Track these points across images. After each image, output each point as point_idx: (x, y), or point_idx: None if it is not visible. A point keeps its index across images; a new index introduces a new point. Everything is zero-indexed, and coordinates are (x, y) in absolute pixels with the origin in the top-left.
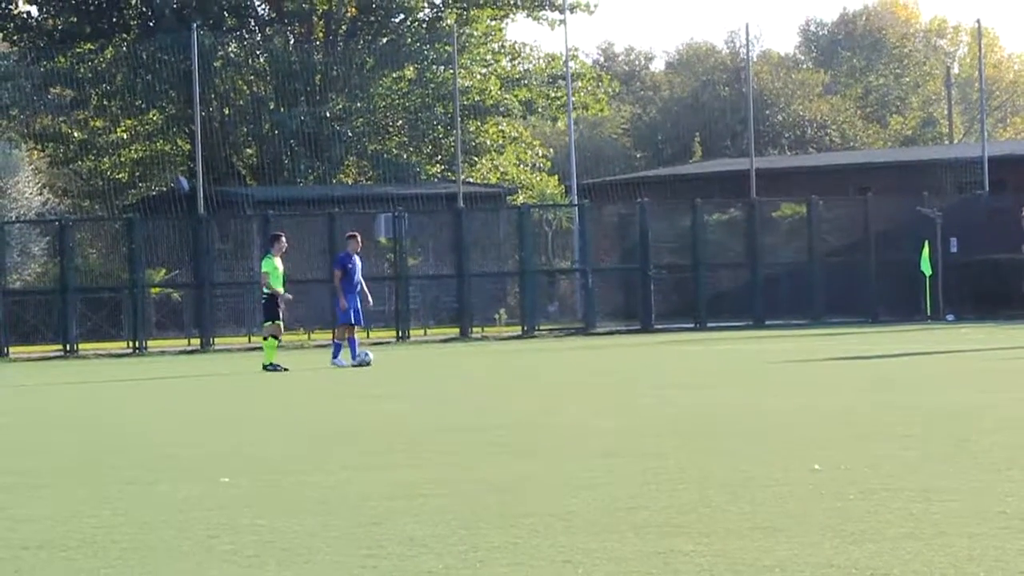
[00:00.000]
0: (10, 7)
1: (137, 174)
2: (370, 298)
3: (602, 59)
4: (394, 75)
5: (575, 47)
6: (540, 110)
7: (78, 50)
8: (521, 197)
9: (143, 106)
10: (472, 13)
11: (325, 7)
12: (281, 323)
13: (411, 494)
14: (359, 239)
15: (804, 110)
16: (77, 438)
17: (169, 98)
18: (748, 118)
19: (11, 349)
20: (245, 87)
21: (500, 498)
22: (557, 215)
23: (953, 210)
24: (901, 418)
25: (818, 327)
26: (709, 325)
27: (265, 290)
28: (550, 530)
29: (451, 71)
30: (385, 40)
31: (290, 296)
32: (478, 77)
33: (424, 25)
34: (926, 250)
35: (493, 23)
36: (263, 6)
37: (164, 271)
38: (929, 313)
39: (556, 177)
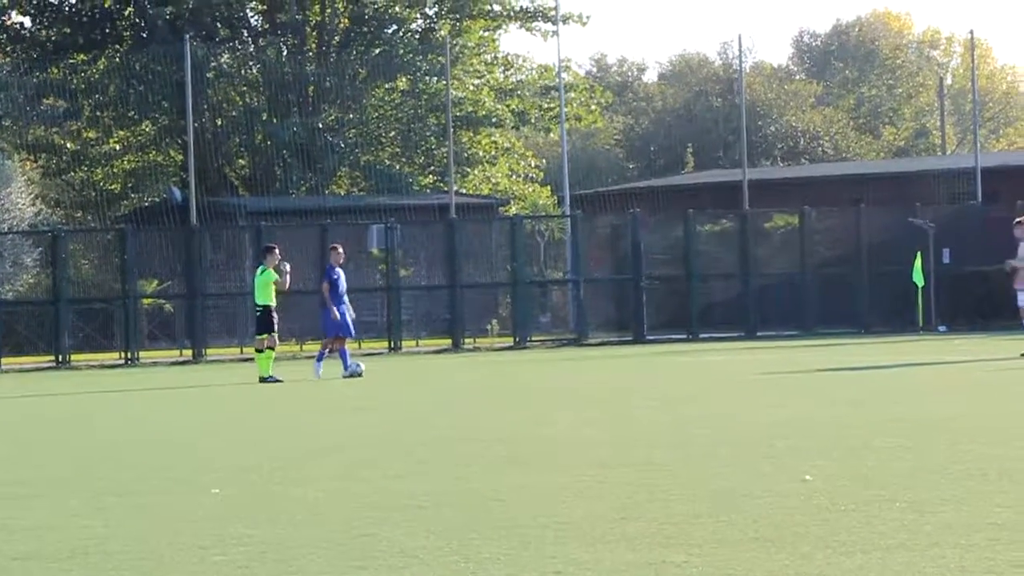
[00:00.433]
0: (3, 18)
1: (130, 185)
2: (351, 310)
3: (595, 70)
4: (387, 86)
5: (568, 58)
6: (533, 121)
7: (71, 61)
8: (513, 208)
9: (136, 117)
10: (465, 24)
11: (318, 18)
12: (276, 335)
13: (403, 505)
14: (341, 250)
15: (797, 121)
16: (69, 449)
17: (162, 109)
18: (741, 129)
19: (3, 360)
20: (238, 98)
21: (492, 509)
22: (549, 226)
23: (946, 221)
24: (893, 429)
25: (810, 338)
26: (701, 336)
27: (259, 302)
28: (542, 541)
29: (444, 82)
30: (378, 51)
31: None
32: (471, 88)
33: (417, 36)
34: (919, 261)
35: (486, 34)
36: (256, 17)
37: (156, 282)
38: (922, 324)
39: (549, 188)
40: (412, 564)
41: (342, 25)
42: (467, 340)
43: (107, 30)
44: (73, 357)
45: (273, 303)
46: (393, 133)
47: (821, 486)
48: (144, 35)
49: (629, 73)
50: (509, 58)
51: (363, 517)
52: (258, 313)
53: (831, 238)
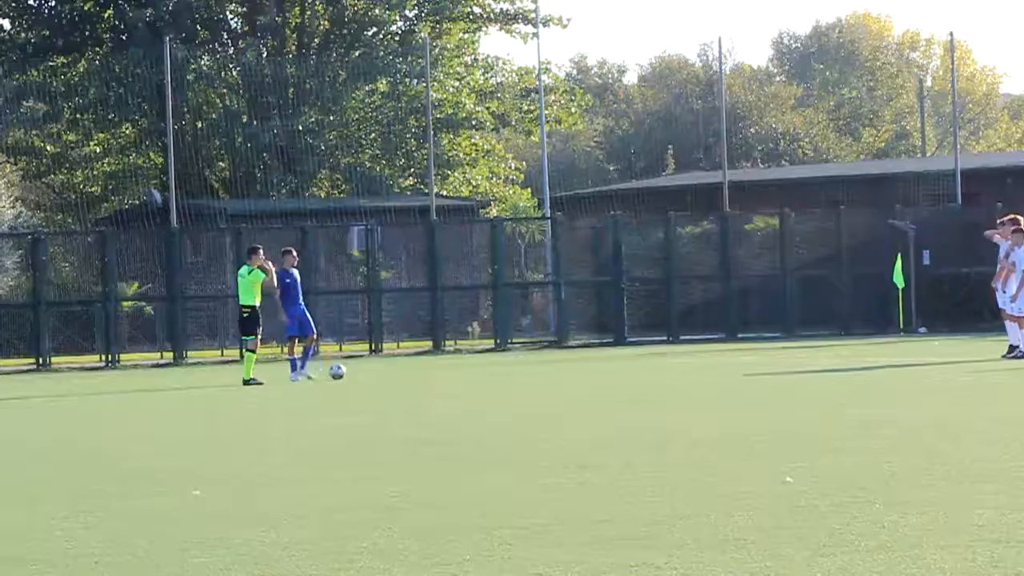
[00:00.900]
0: None
1: (110, 187)
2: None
3: (575, 72)
4: (367, 88)
5: (548, 60)
6: (513, 123)
7: (51, 64)
8: (494, 210)
9: (116, 119)
10: (445, 26)
11: (298, 20)
12: (259, 337)
13: (382, 507)
14: (295, 253)
15: (777, 123)
16: (50, 452)
17: (142, 111)
18: (721, 131)
19: None
20: (218, 100)
21: (472, 510)
22: (530, 228)
23: (926, 223)
24: (873, 431)
25: (791, 340)
26: (682, 338)
27: (246, 303)
28: (522, 543)
29: (424, 84)
30: (358, 53)
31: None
32: (451, 90)
33: (397, 38)
34: (899, 263)
35: (466, 36)
36: (236, 19)
37: (137, 284)
38: (902, 326)
39: (529, 190)
40: (392, 566)
41: (322, 27)
42: (448, 342)
43: (87, 32)
44: (53, 360)
45: (258, 303)
46: (373, 135)
47: (802, 487)
48: (124, 37)
49: (609, 75)
50: (489, 60)
51: (342, 519)
52: (245, 314)
53: (811, 240)
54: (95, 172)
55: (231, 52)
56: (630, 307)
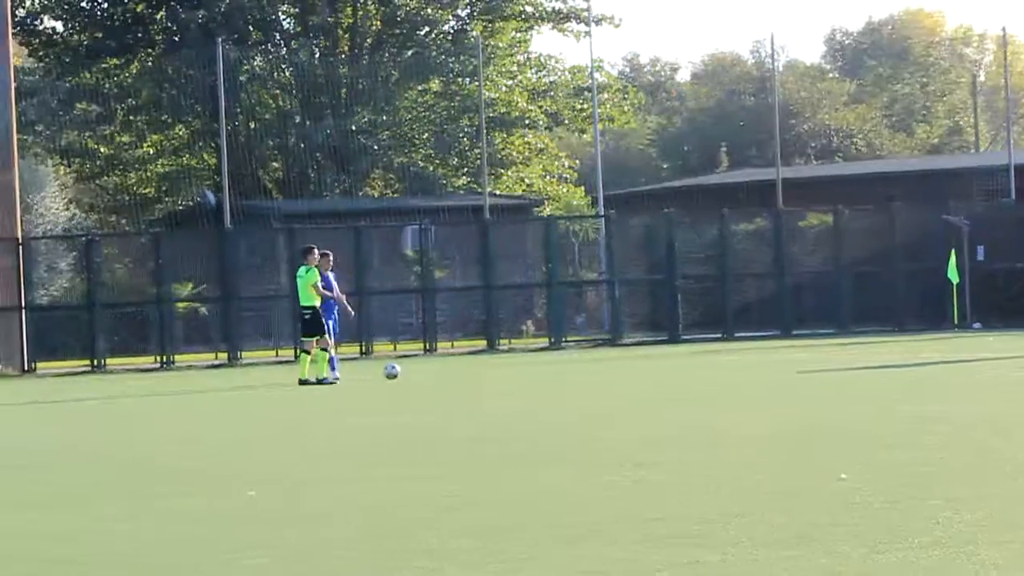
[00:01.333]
0: (35, 23)
1: (164, 188)
2: (350, 310)
3: (628, 70)
4: (419, 88)
5: (600, 59)
6: (566, 122)
7: (103, 65)
8: (547, 209)
9: (169, 121)
10: (497, 25)
11: (350, 20)
12: (328, 335)
13: (437, 506)
14: (330, 257)
15: (830, 119)
16: (105, 454)
17: (195, 112)
18: (774, 128)
19: (38, 365)
20: (271, 101)
21: (526, 509)
22: (583, 226)
23: (980, 218)
24: (928, 427)
25: (845, 336)
26: (736, 335)
27: (307, 303)
28: (577, 541)
29: (476, 83)
30: (410, 53)
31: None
32: (504, 89)
33: (449, 37)
34: (953, 258)
35: (518, 35)
36: (288, 20)
37: (191, 285)
38: (956, 322)
39: (582, 188)
40: (445, 565)
41: (374, 27)
42: (502, 341)
43: (139, 34)
44: (108, 361)
45: (318, 303)
46: (426, 135)
47: (856, 484)
48: (176, 39)
49: (662, 73)
50: (542, 59)
51: (397, 519)
52: (306, 316)
53: (865, 236)
54: (148, 173)
55: (283, 53)
56: (684, 305)
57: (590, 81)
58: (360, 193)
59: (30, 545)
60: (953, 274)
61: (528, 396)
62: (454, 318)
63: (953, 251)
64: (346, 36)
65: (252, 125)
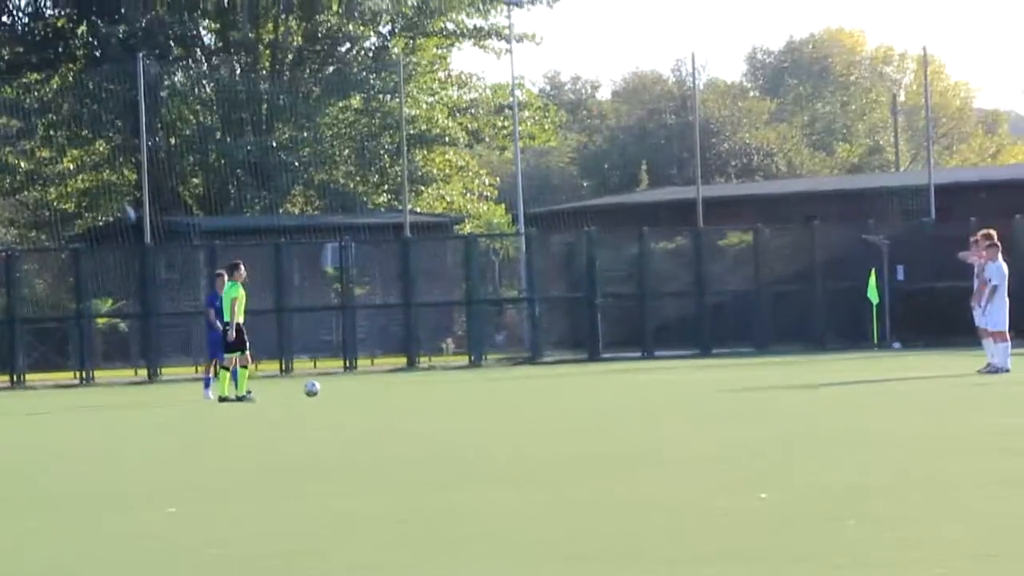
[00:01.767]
0: None
1: (84, 204)
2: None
3: (549, 88)
4: (340, 104)
5: (522, 76)
6: (487, 139)
7: (24, 80)
8: (468, 226)
9: (89, 136)
10: (419, 42)
11: (271, 36)
12: (249, 352)
13: (356, 522)
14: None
15: (751, 138)
16: (24, 469)
17: (115, 128)
18: (695, 146)
19: None
20: (192, 117)
21: (444, 527)
22: (504, 244)
23: (899, 238)
24: (847, 446)
25: (765, 355)
26: (656, 354)
27: (230, 319)
28: (494, 558)
29: (397, 100)
30: (331, 69)
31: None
32: (424, 106)
33: (370, 54)
34: (873, 278)
35: (440, 52)
36: (209, 36)
37: (111, 301)
38: (876, 341)
39: (503, 206)
40: None
41: (295, 43)
42: (422, 358)
43: (60, 49)
44: (28, 376)
45: (241, 319)
46: (347, 151)
47: (775, 503)
48: (97, 54)
49: (583, 91)
50: (463, 76)
51: (315, 534)
52: (228, 329)
53: (785, 255)
54: (69, 189)
55: (205, 68)
56: (604, 323)
57: (511, 99)
58: (280, 210)
59: None
60: (873, 294)
61: (446, 414)
62: (374, 335)
63: (873, 270)
64: (267, 52)
65: (173, 141)
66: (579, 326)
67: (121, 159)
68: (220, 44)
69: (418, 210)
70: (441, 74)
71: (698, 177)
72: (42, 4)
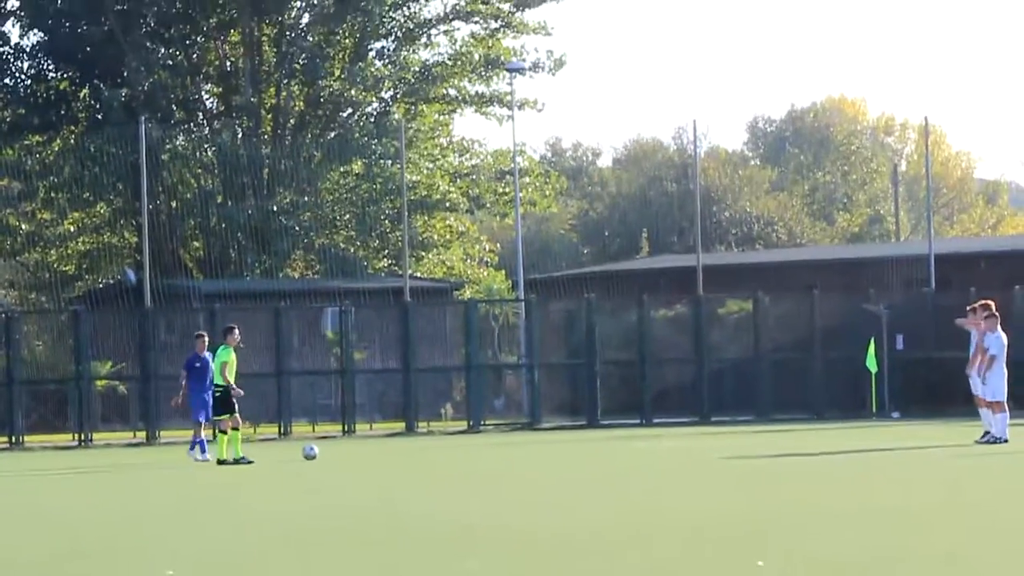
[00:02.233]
0: None
1: (84, 266)
2: (240, 391)
3: (550, 154)
4: (342, 169)
5: (523, 143)
6: (488, 205)
7: (26, 142)
8: (468, 292)
9: (91, 198)
10: (420, 108)
11: (273, 101)
12: (238, 415)
13: None
14: (206, 339)
15: (751, 207)
16: (22, 531)
17: (117, 191)
18: (695, 214)
19: None
20: (193, 180)
21: None
22: (504, 310)
23: (899, 307)
24: (844, 517)
25: (764, 423)
26: (655, 421)
27: (219, 382)
28: None
29: (398, 165)
30: (333, 134)
31: (241, 392)
32: (425, 172)
33: (372, 119)
34: (872, 347)
35: (441, 118)
36: (211, 99)
37: (110, 363)
38: (875, 410)
39: (503, 272)
40: None
41: (297, 108)
42: (421, 424)
43: (62, 111)
44: (27, 438)
45: (233, 381)
46: (348, 216)
47: (772, 571)
48: (99, 117)
49: (584, 158)
50: (464, 143)
51: None
52: (218, 394)
53: (785, 323)
54: (69, 251)
55: (206, 132)
56: (603, 389)
57: (512, 165)
58: (281, 274)
59: None
60: (872, 363)
61: (443, 481)
62: (373, 400)
63: (872, 340)
64: (269, 116)
65: (174, 204)
66: (578, 392)
67: (122, 222)
68: (222, 108)
69: (418, 275)
70: (442, 140)
71: (698, 245)
72: (44, 67)
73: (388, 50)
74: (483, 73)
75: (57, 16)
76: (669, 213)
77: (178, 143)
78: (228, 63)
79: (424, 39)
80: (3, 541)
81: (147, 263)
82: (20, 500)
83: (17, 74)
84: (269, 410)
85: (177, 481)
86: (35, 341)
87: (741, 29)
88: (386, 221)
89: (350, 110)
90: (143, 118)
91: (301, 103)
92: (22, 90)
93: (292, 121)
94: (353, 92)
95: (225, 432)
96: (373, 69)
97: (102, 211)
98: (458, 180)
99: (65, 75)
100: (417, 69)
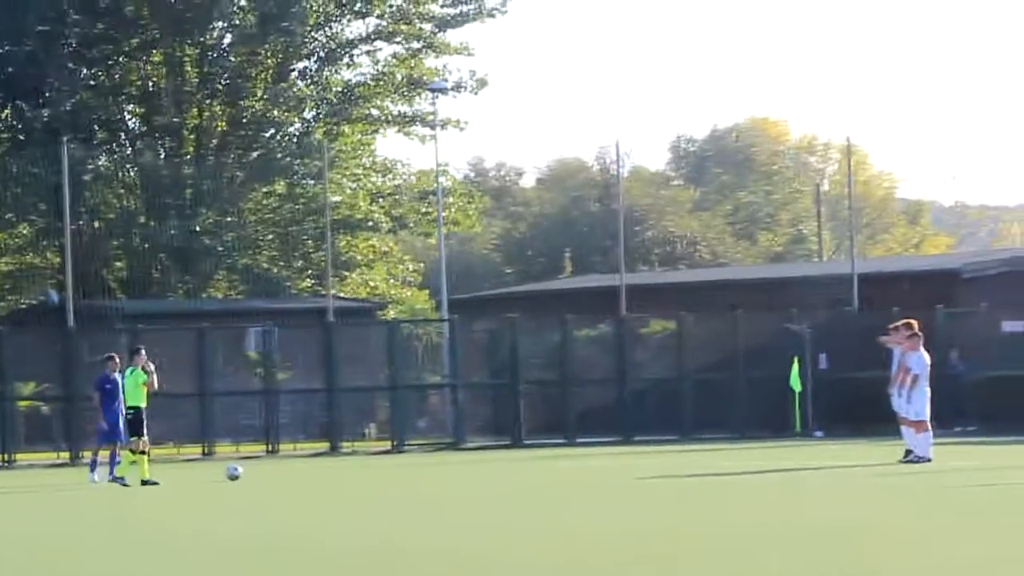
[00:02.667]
0: None
1: (7, 287)
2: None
3: (473, 174)
4: (264, 189)
5: (446, 163)
6: (411, 225)
7: None
8: (392, 312)
9: (13, 219)
10: (343, 128)
11: (196, 121)
12: (146, 437)
13: None
14: (117, 360)
15: (674, 226)
16: None
17: (39, 211)
18: (619, 234)
19: None
20: (115, 200)
21: None
22: (427, 330)
23: (823, 327)
24: (767, 534)
25: (687, 443)
26: (578, 440)
27: (132, 403)
28: None
29: (321, 185)
30: (256, 154)
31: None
32: (348, 192)
33: (295, 140)
34: (795, 366)
35: (364, 137)
36: (134, 120)
37: (34, 384)
38: (799, 429)
39: (427, 292)
40: None
41: (220, 128)
42: (345, 444)
43: None
44: None
45: (144, 404)
46: (271, 236)
47: None
48: (21, 137)
49: (507, 177)
50: (387, 163)
51: None
52: (130, 415)
53: (708, 343)
54: None
55: (129, 152)
56: (527, 409)
57: (435, 185)
58: (204, 294)
59: None
60: (795, 382)
61: (365, 501)
62: (297, 420)
63: (796, 359)
64: (191, 137)
65: (96, 224)
66: (502, 412)
67: (44, 242)
68: (144, 128)
69: (342, 295)
70: (365, 160)
71: (621, 264)
72: None
73: (311, 70)
74: (406, 93)
75: None
76: (592, 233)
77: (100, 163)
78: (150, 83)
79: (347, 59)
80: None
81: (70, 283)
82: None
83: None
84: (192, 430)
85: (100, 503)
86: None
87: (664, 49)
88: (309, 241)
89: (273, 130)
90: (65, 138)
91: (224, 123)
92: None
93: (215, 141)
94: (276, 112)
95: (144, 452)
96: (295, 89)
97: (24, 232)
98: (381, 200)
99: None
100: (340, 89)
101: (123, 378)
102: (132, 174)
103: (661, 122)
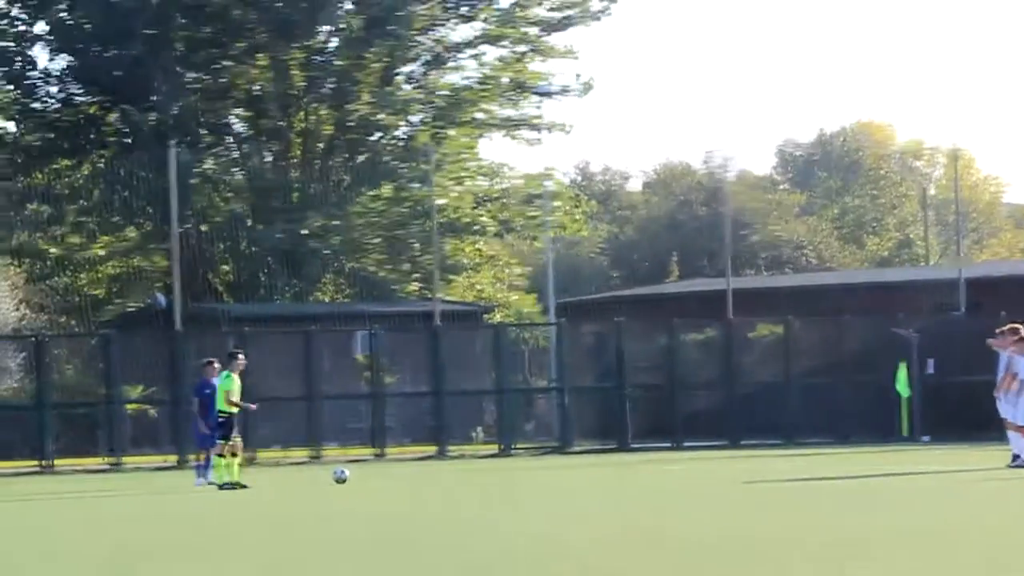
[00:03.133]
0: None
1: (114, 290)
2: (252, 406)
3: (579, 178)
4: (371, 193)
5: (552, 167)
6: (518, 229)
7: (55, 166)
8: (498, 315)
9: (120, 222)
10: (448, 132)
11: (303, 125)
12: (238, 439)
13: None
14: (216, 365)
15: (781, 230)
16: (48, 553)
17: (146, 215)
18: (725, 238)
19: None
20: (222, 204)
21: None
22: (534, 334)
23: (929, 331)
24: (870, 538)
25: (793, 447)
26: (685, 444)
27: (222, 408)
28: None
29: (427, 189)
30: (362, 158)
31: (252, 407)
32: (455, 195)
33: (401, 143)
34: (902, 371)
35: (468, 140)
36: (240, 123)
37: (141, 387)
38: (906, 434)
39: (533, 296)
40: None
41: (326, 132)
42: (452, 447)
43: (91, 136)
44: (57, 462)
45: (234, 411)
46: (378, 239)
47: None
48: (128, 141)
49: (613, 181)
50: (494, 166)
51: None
52: (221, 420)
53: (814, 347)
54: (99, 275)
55: (236, 156)
56: (634, 413)
57: (542, 189)
58: (311, 298)
59: None
60: (902, 387)
61: (477, 503)
62: (404, 423)
63: (902, 364)
64: (298, 140)
65: (203, 228)
66: (608, 416)
67: (152, 246)
68: (251, 132)
69: (448, 298)
70: (471, 163)
71: (728, 269)
72: (73, 91)
73: (417, 74)
74: (511, 97)
75: (86, 41)
76: (698, 237)
77: (207, 167)
78: (256, 87)
79: (452, 63)
80: (24, 567)
81: (177, 287)
82: (50, 525)
83: (46, 99)
84: (299, 434)
85: (210, 505)
86: (65, 365)
87: (770, 52)
88: (416, 244)
89: (379, 134)
90: (172, 142)
91: (330, 127)
92: (51, 114)
93: (321, 144)
94: (382, 116)
95: (223, 456)
96: (401, 93)
97: (132, 235)
98: (488, 204)
99: (94, 100)
100: (446, 93)
101: (218, 382)
102: (239, 177)
103: (768, 126)
